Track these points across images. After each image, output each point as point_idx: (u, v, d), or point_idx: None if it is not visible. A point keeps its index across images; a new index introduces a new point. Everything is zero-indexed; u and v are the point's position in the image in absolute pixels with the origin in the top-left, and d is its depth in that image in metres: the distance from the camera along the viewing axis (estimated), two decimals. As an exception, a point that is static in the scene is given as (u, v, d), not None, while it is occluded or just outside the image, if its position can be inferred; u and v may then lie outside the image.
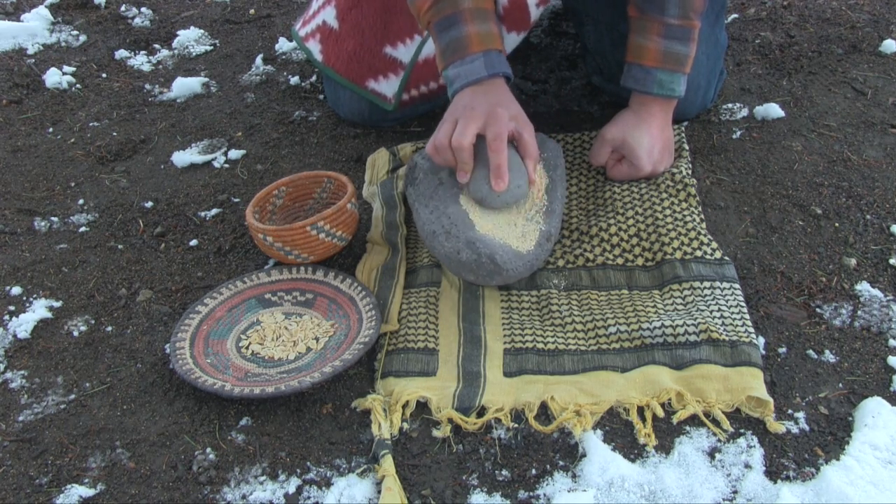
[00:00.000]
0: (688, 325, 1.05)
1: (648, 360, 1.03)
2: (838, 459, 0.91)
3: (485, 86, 1.17)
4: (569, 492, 0.90)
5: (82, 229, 1.38)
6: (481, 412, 0.99)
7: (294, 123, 1.60)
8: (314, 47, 1.52)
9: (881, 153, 1.35)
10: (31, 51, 1.95)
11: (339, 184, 1.28)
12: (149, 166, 1.52)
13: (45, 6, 2.11)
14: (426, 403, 1.01)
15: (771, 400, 0.96)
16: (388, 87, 1.46)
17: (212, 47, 1.92)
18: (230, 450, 0.98)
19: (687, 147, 1.34)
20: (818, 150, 1.37)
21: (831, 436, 0.94)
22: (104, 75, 1.84)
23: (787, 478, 0.90)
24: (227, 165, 1.50)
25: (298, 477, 0.95)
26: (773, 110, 1.45)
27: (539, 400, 0.99)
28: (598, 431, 0.96)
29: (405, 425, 0.99)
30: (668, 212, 1.21)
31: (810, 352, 1.04)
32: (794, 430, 0.95)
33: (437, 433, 0.98)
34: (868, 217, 1.23)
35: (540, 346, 1.07)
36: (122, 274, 1.27)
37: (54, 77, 1.81)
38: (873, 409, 0.95)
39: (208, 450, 0.98)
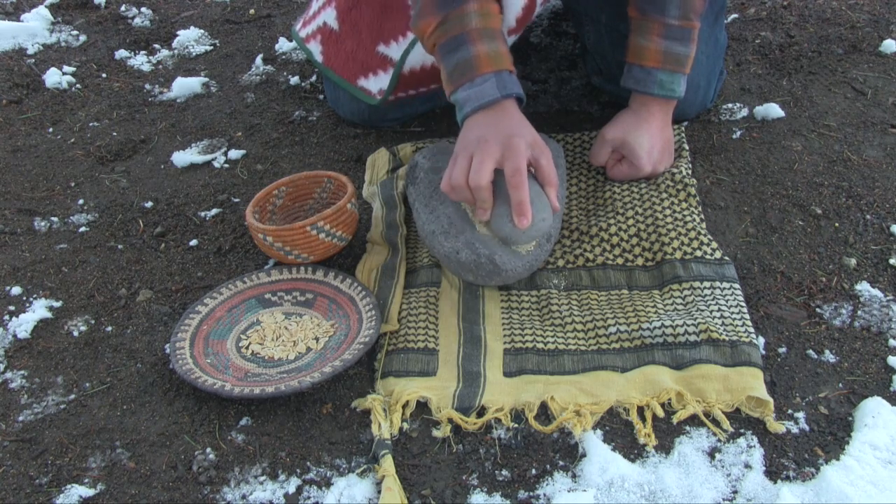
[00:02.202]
0: (688, 325, 1.05)
1: (648, 360, 1.03)
2: (838, 459, 0.91)
3: (496, 110, 1.12)
4: (569, 492, 0.90)
5: (82, 229, 1.38)
6: (481, 412, 0.99)
7: (294, 123, 1.60)
8: (315, 48, 1.52)
9: (881, 153, 1.35)
10: (31, 51, 1.95)
11: (339, 184, 1.28)
12: (149, 166, 1.52)
13: (45, 6, 2.11)
14: (426, 403, 1.01)
15: (771, 400, 0.96)
16: (374, 83, 1.46)
17: (212, 47, 1.92)
18: (230, 450, 0.98)
19: (687, 147, 1.34)
20: (818, 150, 1.37)
21: (831, 436, 0.94)
22: (104, 75, 1.84)
23: (787, 478, 0.90)
24: (227, 165, 1.50)
25: (298, 477, 0.95)
26: (773, 110, 1.45)
27: (539, 400, 0.99)
28: (598, 431, 0.96)
29: (405, 425, 0.99)
30: (668, 212, 1.21)
31: (810, 352, 1.04)
32: (794, 430, 0.95)
33: (437, 433, 0.98)
34: (868, 217, 1.23)
35: (540, 346, 1.07)
36: (122, 274, 1.27)
37: (54, 77, 1.81)
38: (873, 409, 0.95)
39: (208, 450, 0.98)
